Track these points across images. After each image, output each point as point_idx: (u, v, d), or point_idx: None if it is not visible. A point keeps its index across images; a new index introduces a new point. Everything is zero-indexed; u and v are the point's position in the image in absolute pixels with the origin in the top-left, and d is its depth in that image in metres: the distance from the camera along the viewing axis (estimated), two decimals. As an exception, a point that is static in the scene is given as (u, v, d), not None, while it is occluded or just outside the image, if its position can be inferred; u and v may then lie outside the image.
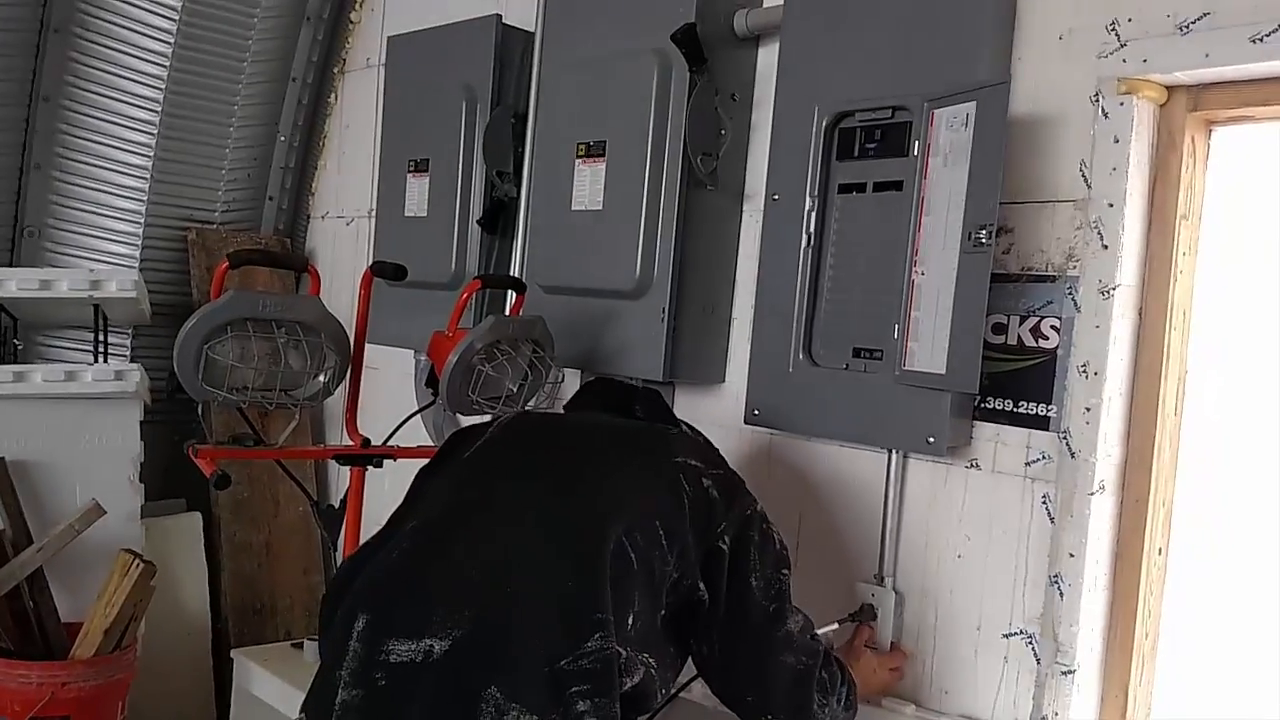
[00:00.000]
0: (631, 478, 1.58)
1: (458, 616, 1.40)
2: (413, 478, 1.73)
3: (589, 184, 2.41)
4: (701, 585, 1.57)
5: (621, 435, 1.73)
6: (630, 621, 1.45)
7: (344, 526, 2.16)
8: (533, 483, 1.59)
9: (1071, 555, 1.81)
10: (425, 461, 1.75)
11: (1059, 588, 1.82)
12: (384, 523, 1.65)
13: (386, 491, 2.28)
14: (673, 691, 1.68)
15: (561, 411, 1.99)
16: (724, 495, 1.61)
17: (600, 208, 2.39)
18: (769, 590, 1.62)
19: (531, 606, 1.41)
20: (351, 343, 2.20)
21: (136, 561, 2.56)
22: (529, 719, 1.33)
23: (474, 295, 2.39)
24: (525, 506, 1.54)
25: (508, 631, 1.39)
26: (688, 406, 2.34)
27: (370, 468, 2.17)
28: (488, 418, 2.33)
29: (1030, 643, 1.87)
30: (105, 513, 2.65)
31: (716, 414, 2.33)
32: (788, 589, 1.67)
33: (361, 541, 2.13)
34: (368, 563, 1.54)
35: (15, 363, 2.94)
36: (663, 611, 1.54)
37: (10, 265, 3.17)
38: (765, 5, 2.29)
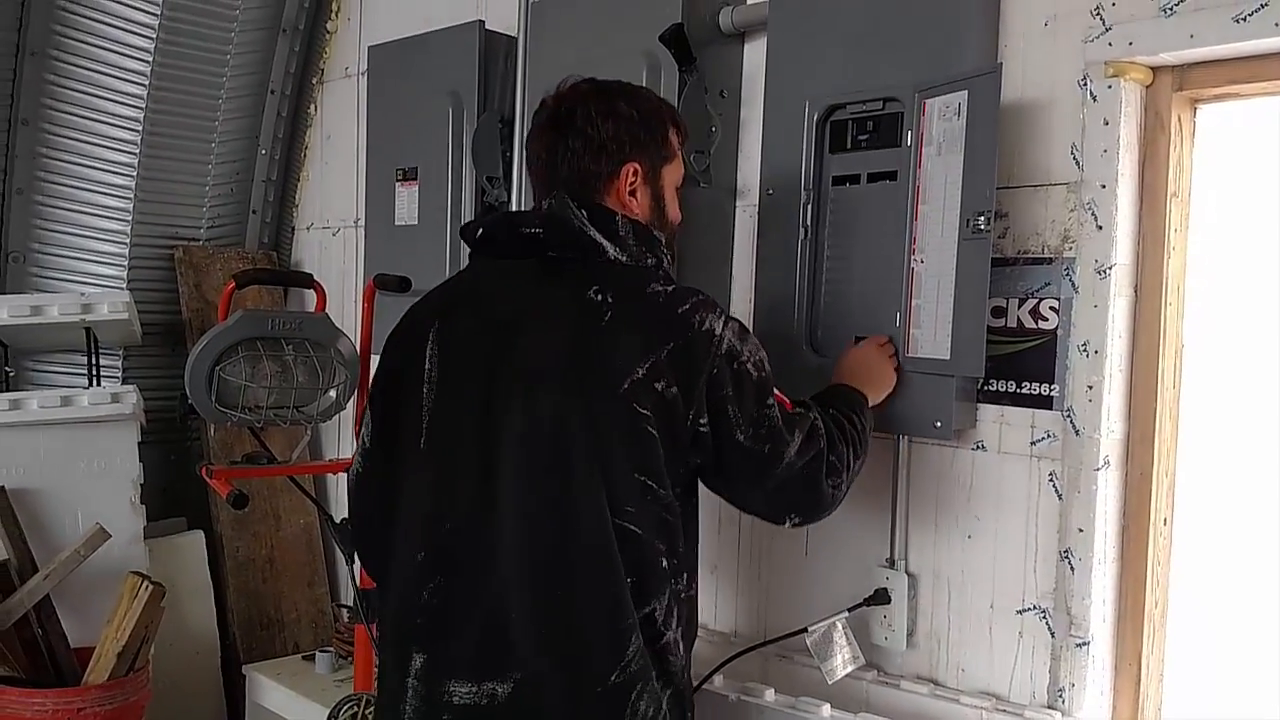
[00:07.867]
0: (591, 425, 1.50)
1: (511, 659, 1.48)
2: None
3: (583, 186, 2.42)
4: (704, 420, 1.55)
5: (562, 350, 1.55)
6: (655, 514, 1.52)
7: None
8: (516, 471, 1.52)
9: (1081, 530, 1.85)
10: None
11: (1070, 562, 1.86)
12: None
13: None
14: (698, 682, 1.72)
15: (468, 283, 1.81)
16: (684, 391, 1.50)
17: (595, 209, 2.40)
18: (758, 434, 1.57)
19: (574, 636, 1.50)
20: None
21: (145, 583, 2.56)
22: None
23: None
24: (521, 513, 1.52)
25: (562, 666, 1.49)
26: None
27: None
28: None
29: (1044, 617, 1.91)
30: (110, 536, 2.64)
31: (720, 408, 2.36)
32: (777, 419, 1.58)
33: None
34: (395, 581, 1.61)
35: (8, 390, 2.92)
36: (680, 479, 1.57)
37: (-3, 293, 3.15)
38: (750, 1, 2.31)
